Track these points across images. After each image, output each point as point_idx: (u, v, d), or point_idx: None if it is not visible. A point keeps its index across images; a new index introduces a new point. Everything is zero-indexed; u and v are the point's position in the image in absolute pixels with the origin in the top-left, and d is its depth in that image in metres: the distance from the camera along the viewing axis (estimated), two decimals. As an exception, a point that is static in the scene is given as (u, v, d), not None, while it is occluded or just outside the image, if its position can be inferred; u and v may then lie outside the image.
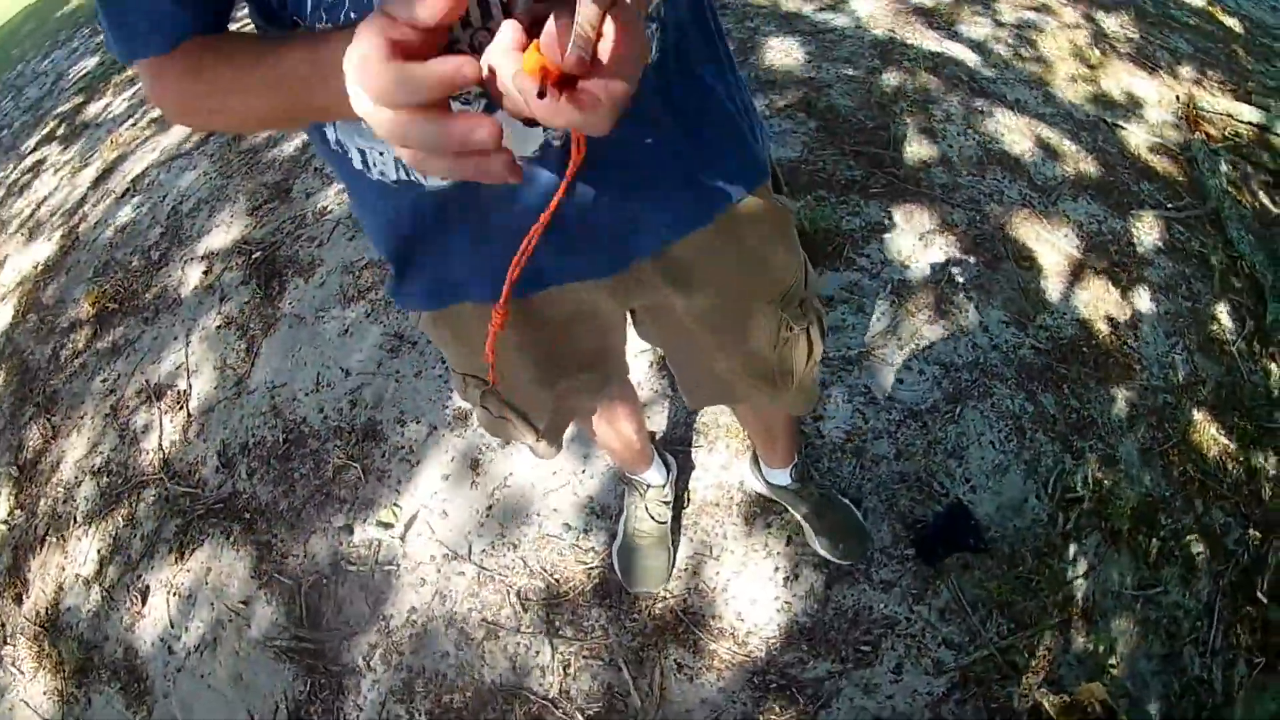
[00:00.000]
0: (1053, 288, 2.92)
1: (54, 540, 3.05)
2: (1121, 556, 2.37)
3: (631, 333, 1.58)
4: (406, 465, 2.72)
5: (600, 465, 2.59)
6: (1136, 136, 3.64)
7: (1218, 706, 2.22)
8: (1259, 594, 2.39)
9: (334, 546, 2.62)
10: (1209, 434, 2.67)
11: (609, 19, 0.62)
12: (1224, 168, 3.49)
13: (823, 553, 2.32)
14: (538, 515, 2.54)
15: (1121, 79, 3.97)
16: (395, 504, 2.64)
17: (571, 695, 2.25)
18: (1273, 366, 2.89)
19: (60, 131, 5.89)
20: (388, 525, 2.56)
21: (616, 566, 2.38)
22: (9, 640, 2.91)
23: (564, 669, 2.28)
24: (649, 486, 2.33)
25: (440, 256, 1.18)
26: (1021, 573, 2.31)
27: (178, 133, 4.80)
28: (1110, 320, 2.86)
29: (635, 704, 2.21)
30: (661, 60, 1.04)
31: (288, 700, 2.41)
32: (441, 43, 0.64)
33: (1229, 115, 3.84)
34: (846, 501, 2.39)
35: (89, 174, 4.97)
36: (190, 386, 3.22)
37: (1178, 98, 3.92)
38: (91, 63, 6.81)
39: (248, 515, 2.78)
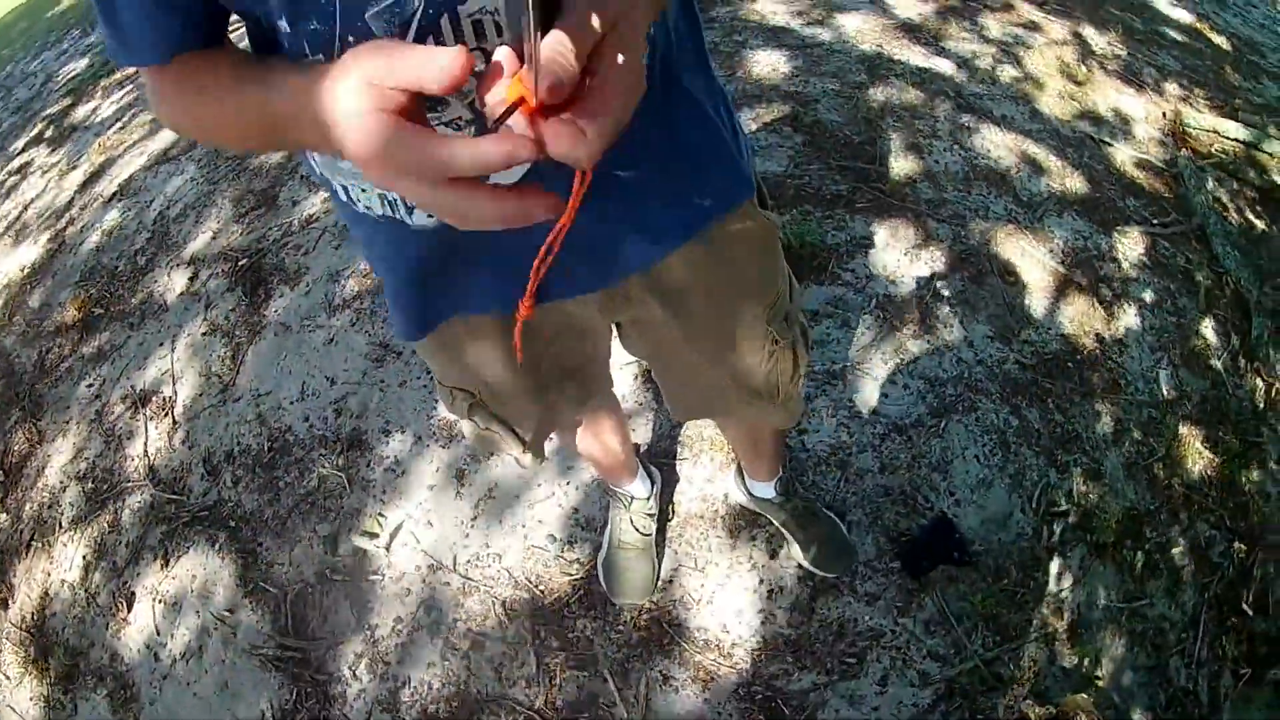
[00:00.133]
0: (1038, 303, 2.94)
1: (39, 545, 3.04)
2: (1107, 569, 2.39)
3: (616, 345, 1.58)
4: (391, 475, 2.72)
5: (585, 477, 2.60)
6: (1123, 153, 3.66)
7: (1204, 717, 2.24)
8: (1244, 606, 2.40)
9: (319, 556, 2.62)
10: (1194, 448, 2.68)
11: (600, 50, 0.62)
12: (1210, 184, 3.52)
13: (807, 565, 2.33)
14: (523, 526, 2.54)
15: (1109, 95, 3.99)
16: (380, 514, 2.63)
17: (557, 706, 2.25)
18: (1258, 381, 2.91)
19: (48, 134, 5.87)
20: (373, 535, 2.56)
21: (601, 578, 2.39)
22: (-6, 646, 2.90)
23: (549, 680, 2.28)
24: (633, 499, 2.34)
25: (429, 281, 1.18)
26: (1006, 586, 2.32)
27: (165, 137, 4.79)
28: (1095, 335, 2.88)
29: (621, 715, 2.21)
30: (649, 77, 1.04)
31: (273, 709, 2.41)
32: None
33: (1215, 132, 3.86)
34: (831, 515, 2.39)
35: (76, 177, 4.95)
36: (176, 393, 3.21)
37: (1164, 114, 3.95)
38: (81, 65, 6.79)
39: (233, 523, 2.77)
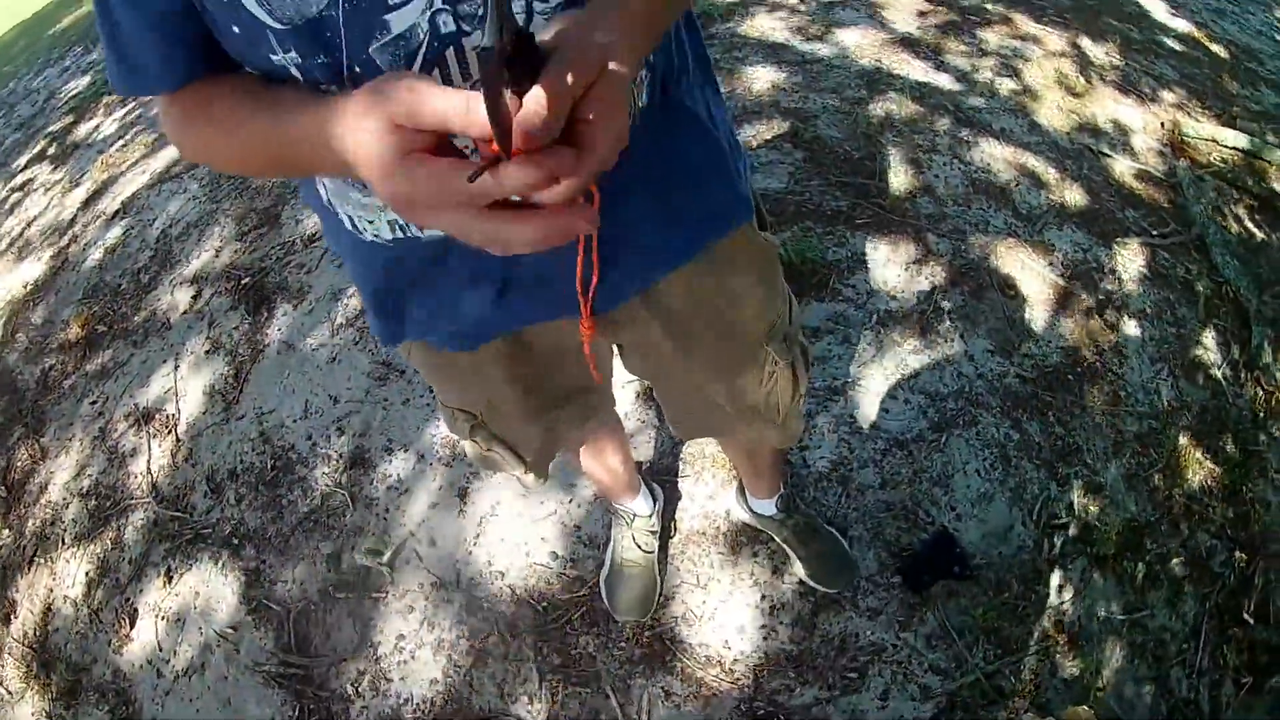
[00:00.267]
0: (1038, 316, 2.94)
1: (42, 561, 3.05)
2: (1107, 581, 2.39)
3: (617, 364, 1.59)
4: (395, 493, 2.72)
5: (587, 495, 2.60)
6: (1122, 164, 3.67)
7: (1206, 727, 2.24)
8: (1246, 615, 2.40)
9: (322, 573, 2.62)
10: (1194, 458, 2.68)
11: (587, 94, 0.64)
12: (1209, 193, 3.52)
13: (809, 581, 2.33)
14: (525, 544, 2.55)
15: (1107, 106, 4.00)
16: (383, 532, 2.64)
17: (559, 723, 2.26)
18: (1258, 390, 2.91)
19: (51, 151, 5.88)
20: (376, 553, 2.57)
21: (604, 595, 2.39)
22: (-3, 662, 2.90)
23: (552, 696, 2.29)
24: (635, 516, 2.34)
25: (429, 300, 1.19)
26: (1008, 599, 2.32)
27: (167, 155, 4.80)
28: (1095, 347, 2.88)
29: (623, 732, 2.22)
30: (649, 99, 1.05)
31: (276, 726, 2.42)
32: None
33: (1214, 141, 3.86)
34: (832, 530, 2.39)
35: (79, 194, 4.96)
36: (179, 411, 3.22)
37: (1163, 124, 3.95)
38: (83, 82, 6.80)
39: (236, 540, 2.78)
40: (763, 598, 2.36)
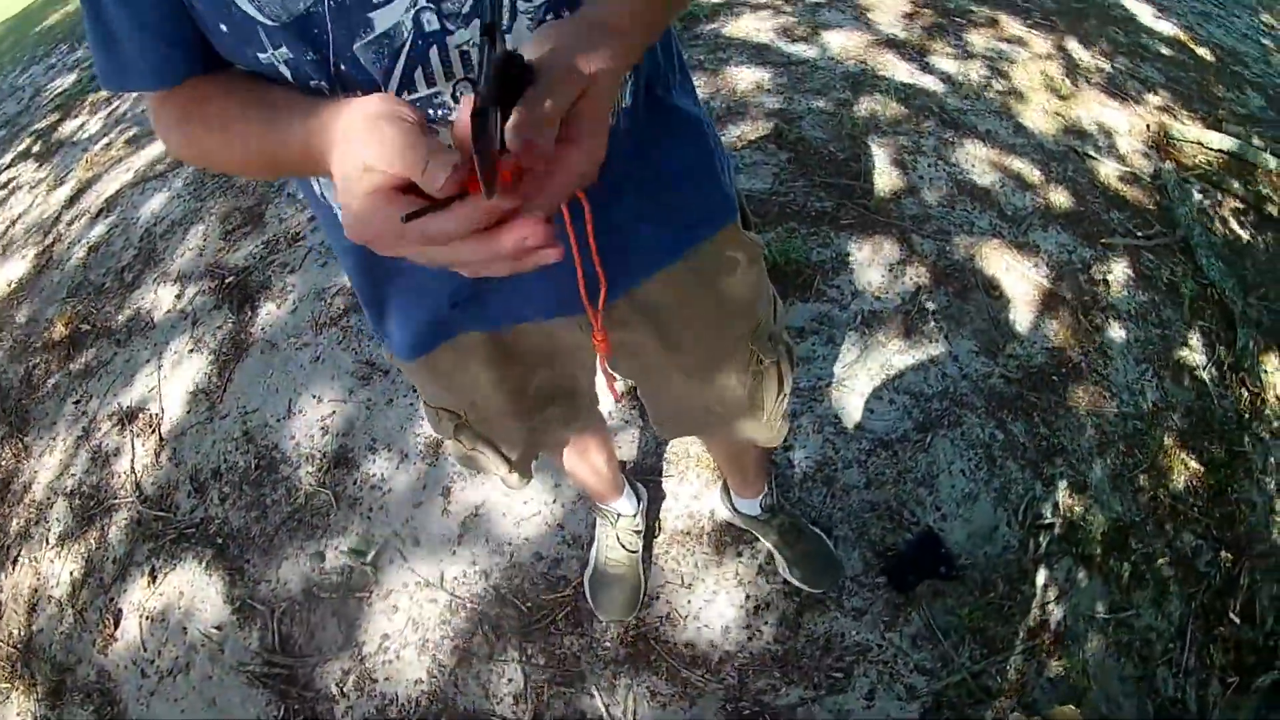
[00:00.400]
0: (1022, 317, 2.95)
1: (26, 561, 3.03)
2: (1093, 581, 2.40)
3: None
4: (378, 493, 2.72)
5: (571, 494, 2.60)
6: (1107, 166, 3.68)
7: (1192, 726, 2.25)
8: (1231, 614, 2.41)
9: (306, 573, 2.62)
10: (1179, 459, 2.69)
11: (573, 110, 0.64)
12: (1195, 196, 3.54)
13: (794, 581, 2.33)
14: (509, 544, 2.54)
15: (1093, 109, 4.01)
16: (367, 531, 2.63)
17: (544, 723, 2.25)
18: (1243, 391, 2.92)
19: (35, 148, 5.85)
20: (360, 552, 2.56)
21: (588, 595, 2.39)
22: (-21, 662, 2.89)
23: (537, 697, 2.28)
24: (620, 516, 2.34)
25: (416, 297, 1.19)
26: (993, 599, 2.33)
27: (152, 154, 4.78)
28: (1080, 348, 2.89)
29: (607, 732, 2.22)
30: (632, 99, 1.05)
31: (261, 726, 2.41)
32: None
33: (1200, 143, 3.88)
34: (817, 530, 2.40)
35: (63, 192, 4.94)
36: (162, 410, 3.21)
37: (1148, 127, 3.97)
38: (69, 80, 6.77)
39: (220, 540, 2.77)
40: (747, 598, 2.36)
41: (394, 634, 2.45)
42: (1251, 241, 3.51)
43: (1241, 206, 3.66)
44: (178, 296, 3.65)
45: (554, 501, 2.60)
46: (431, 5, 0.81)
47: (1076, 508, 2.51)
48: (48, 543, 3.03)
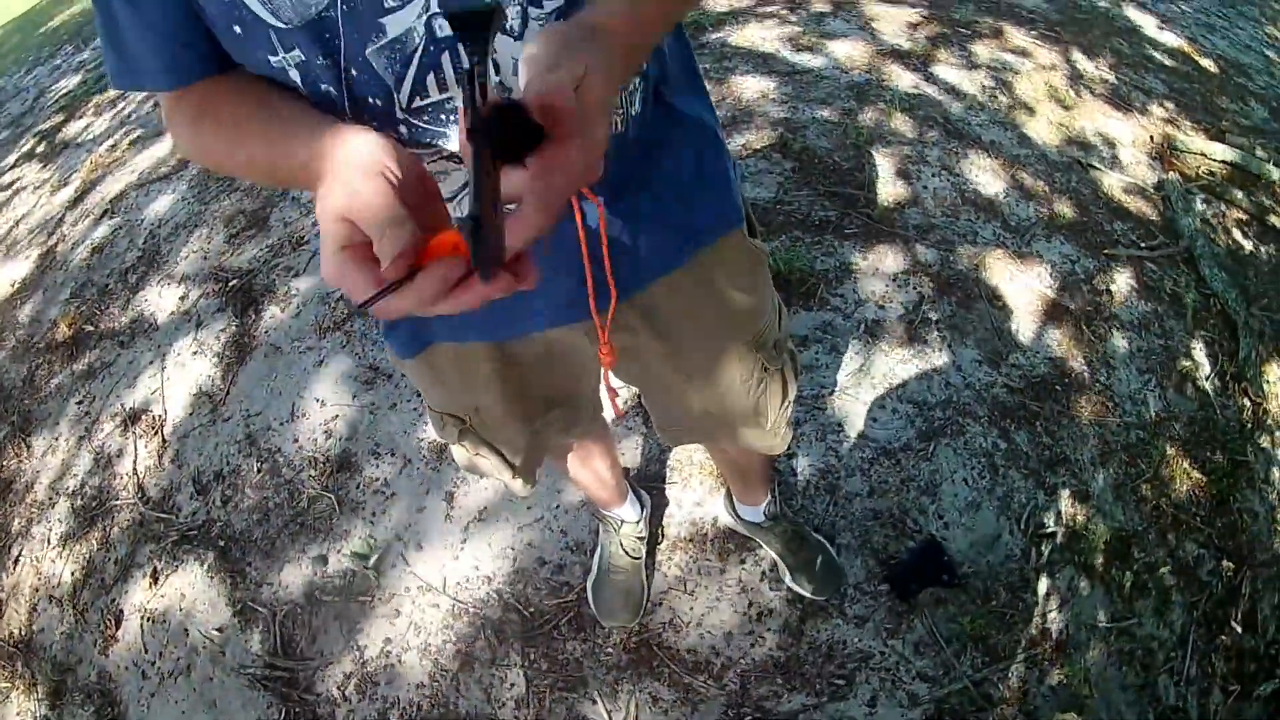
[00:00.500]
0: (1026, 327, 2.95)
1: (27, 561, 3.03)
2: (1095, 590, 2.40)
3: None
4: (381, 497, 2.72)
5: (575, 500, 2.60)
6: (1111, 177, 3.69)
7: (1194, 735, 2.25)
8: (1234, 623, 2.42)
9: (308, 577, 2.62)
10: (1181, 468, 2.70)
11: (560, 112, 0.64)
12: (1198, 206, 3.55)
13: (796, 588, 2.33)
14: (512, 549, 2.54)
15: (1097, 120, 4.01)
16: (370, 535, 2.63)
17: (545, 728, 2.25)
18: (1245, 401, 2.93)
19: (40, 149, 5.86)
20: (362, 557, 2.56)
21: (591, 600, 2.38)
22: (-19, 662, 2.89)
23: (539, 701, 2.28)
24: (623, 522, 2.34)
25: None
26: (995, 607, 2.33)
27: (156, 155, 4.79)
28: (1083, 358, 2.89)
29: (609, 738, 2.21)
30: (641, 105, 1.06)
31: (261, 729, 2.41)
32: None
33: (1203, 154, 3.89)
34: (820, 538, 2.40)
35: (67, 193, 4.94)
36: (165, 412, 3.21)
37: (1152, 138, 3.98)
38: (74, 81, 6.78)
39: (222, 543, 2.77)
40: (750, 604, 2.36)
41: (396, 638, 2.45)
42: (1254, 252, 3.52)
43: (1245, 217, 3.67)
44: (181, 298, 3.65)
45: (557, 507, 2.60)
46: (443, 11, 0.82)
47: (1079, 517, 2.51)
48: (49, 543, 3.03)
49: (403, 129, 0.91)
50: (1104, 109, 4.10)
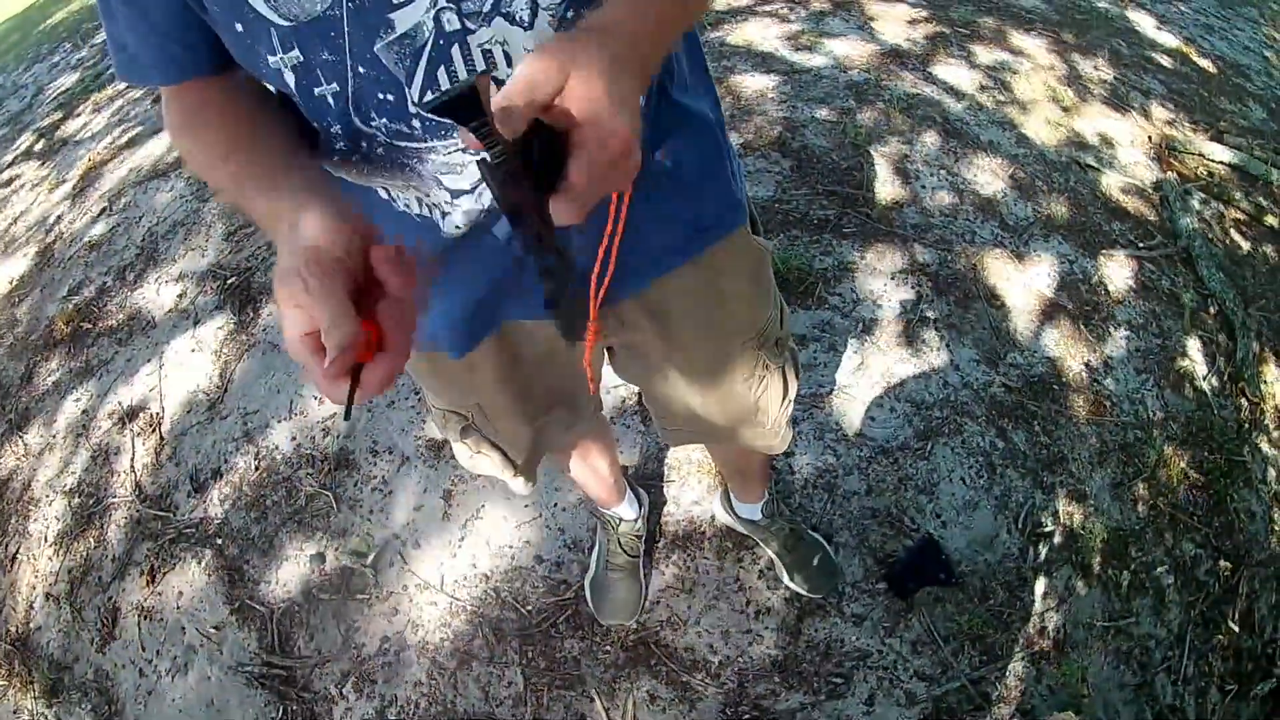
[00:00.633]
0: (1023, 326, 2.96)
1: (24, 558, 3.03)
2: (1092, 588, 2.40)
3: (607, 368, 1.59)
4: (379, 495, 2.72)
5: (572, 498, 2.60)
6: (1109, 177, 3.69)
7: (1191, 734, 2.26)
8: (1231, 622, 2.42)
9: (306, 574, 2.61)
10: (1179, 468, 2.70)
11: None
12: (1196, 207, 3.55)
13: (794, 587, 2.34)
14: (510, 547, 2.54)
15: (1095, 120, 4.02)
16: (367, 533, 2.63)
17: (543, 726, 2.25)
18: (1242, 401, 2.93)
19: (38, 147, 5.84)
20: (360, 554, 2.56)
21: (589, 598, 2.39)
22: (-23, 659, 2.88)
23: (537, 699, 2.28)
24: (621, 520, 2.34)
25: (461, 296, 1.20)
26: (993, 606, 2.33)
27: (154, 153, 4.78)
28: (1081, 358, 2.90)
29: (607, 736, 2.22)
30: (645, 101, 1.06)
31: (259, 727, 2.41)
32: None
33: (1201, 155, 3.89)
34: (817, 536, 2.40)
35: (65, 190, 4.93)
36: (163, 410, 3.20)
37: (1150, 138, 3.98)
38: (72, 78, 6.76)
39: (220, 540, 2.77)
40: (748, 603, 2.36)
41: (394, 636, 2.45)
42: (1252, 253, 3.52)
43: (1242, 218, 3.67)
44: (180, 296, 3.65)
45: (555, 505, 2.60)
46: (451, 5, 0.82)
47: (1076, 516, 2.52)
48: (46, 540, 3.03)
49: (416, 123, 0.91)
50: (1102, 109, 4.11)
